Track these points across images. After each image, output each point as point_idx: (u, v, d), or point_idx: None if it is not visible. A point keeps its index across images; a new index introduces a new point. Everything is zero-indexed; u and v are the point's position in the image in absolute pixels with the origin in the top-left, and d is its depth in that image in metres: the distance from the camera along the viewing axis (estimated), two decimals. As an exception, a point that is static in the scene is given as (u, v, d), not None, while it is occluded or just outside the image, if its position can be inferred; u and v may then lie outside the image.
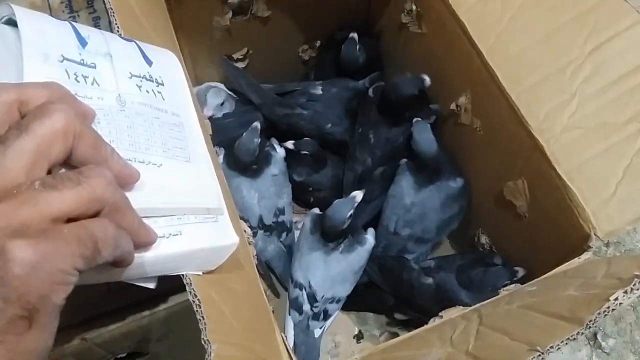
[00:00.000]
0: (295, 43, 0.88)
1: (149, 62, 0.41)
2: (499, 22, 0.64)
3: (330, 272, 0.73)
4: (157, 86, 0.40)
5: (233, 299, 0.44)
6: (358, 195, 0.70)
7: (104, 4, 0.61)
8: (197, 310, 0.37)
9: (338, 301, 0.74)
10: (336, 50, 0.84)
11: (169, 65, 0.44)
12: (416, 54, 0.80)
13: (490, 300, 0.54)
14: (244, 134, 0.73)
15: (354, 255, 0.73)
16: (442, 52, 0.75)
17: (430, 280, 0.70)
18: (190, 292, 0.38)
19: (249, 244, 0.57)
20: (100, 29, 0.61)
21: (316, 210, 0.76)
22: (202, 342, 0.35)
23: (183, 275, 0.38)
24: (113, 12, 0.47)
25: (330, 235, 0.72)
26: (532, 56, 0.61)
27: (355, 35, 0.81)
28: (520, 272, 0.67)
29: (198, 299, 0.38)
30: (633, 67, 0.52)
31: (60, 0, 0.62)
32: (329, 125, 0.80)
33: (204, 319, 0.37)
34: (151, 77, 0.40)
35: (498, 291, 0.57)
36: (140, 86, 0.38)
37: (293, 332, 0.73)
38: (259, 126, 0.74)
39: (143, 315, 0.48)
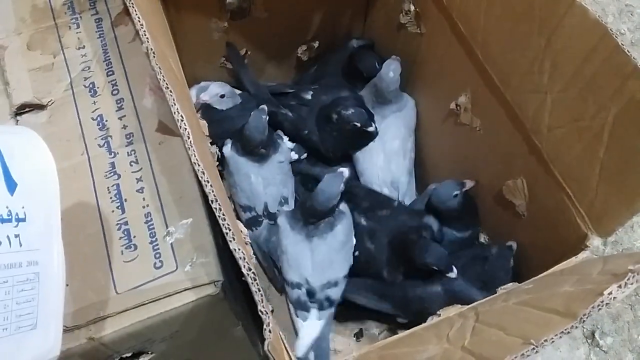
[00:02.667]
0: (293, 44, 0.89)
1: (12, 186, 0.37)
2: (479, 21, 0.65)
3: (317, 258, 0.72)
4: (16, 226, 0.37)
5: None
6: (345, 171, 0.70)
7: (106, 4, 0.62)
8: (252, 283, 0.41)
9: (336, 284, 0.74)
10: (343, 56, 0.87)
11: (34, 164, 0.40)
12: (415, 54, 0.81)
13: (487, 298, 0.54)
14: (252, 113, 0.74)
15: (334, 234, 0.72)
16: (441, 52, 0.75)
17: (438, 288, 0.70)
18: (244, 267, 0.41)
19: (246, 243, 0.58)
20: (102, 29, 0.63)
21: (285, 208, 0.77)
22: (260, 313, 0.40)
23: (236, 249, 0.41)
24: (132, 3, 0.47)
25: (316, 216, 0.71)
26: (509, 56, 0.62)
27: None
28: (514, 245, 0.68)
29: (253, 272, 0.41)
30: (581, 58, 0.53)
31: (63, 2, 0.63)
32: (306, 131, 0.82)
33: (260, 291, 0.41)
34: (10, 215, 0.36)
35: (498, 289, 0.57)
36: None
37: (307, 331, 0.73)
38: (266, 107, 0.75)
39: (150, 316, 0.49)
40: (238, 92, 0.83)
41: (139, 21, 0.47)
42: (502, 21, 0.62)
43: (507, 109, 0.65)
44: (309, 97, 0.82)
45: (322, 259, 0.73)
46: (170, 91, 0.45)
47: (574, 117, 0.56)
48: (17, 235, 0.37)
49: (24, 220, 0.37)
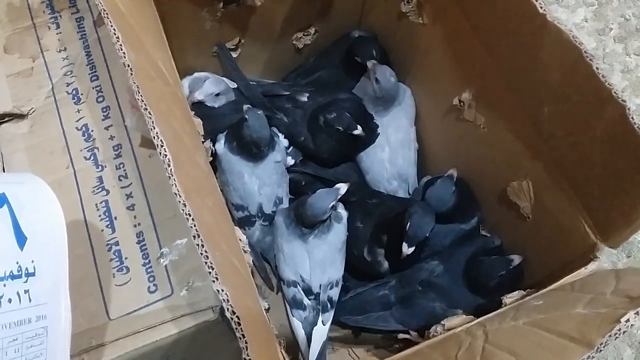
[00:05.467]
0: (288, 31, 0.84)
1: (22, 241, 0.38)
2: (484, 15, 0.62)
3: (315, 258, 0.71)
4: (26, 281, 0.37)
5: (249, 317, 0.44)
6: (342, 187, 0.68)
7: (87, 1, 0.58)
8: (236, 328, 0.38)
9: (337, 284, 0.73)
10: (343, 47, 0.82)
11: (42, 215, 0.40)
12: (417, 45, 0.77)
13: (495, 313, 0.53)
14: (247, 116, 0.70)
15: (331, 235, 0.71)
16: (444, 45, 0.72)
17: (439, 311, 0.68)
18: (228, 309, 0.38)
19: (245, 252, 0.56)
20: (84, 29, 0.58)
21: (283, 206, 0.76)
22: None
23: (219, 290, 0.38)
24: (107, 14, 0.44)
25: (307, 225, 0.70)
26: (513, 55, 0.60)
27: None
28: (516, 259, 0.65)
29: (237, 316, 0.38)
30: (561, 77, 0.53)
31: (41, 0, 0.58)
32: (302, 138, 0.78)
33: (244, 337, 0.38)
34: (19, 270, 0.37)
35: (502, 304, 0.55)
36: (1, 296, 0.36)
37: (302, 331, 0.72)
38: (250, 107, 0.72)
39: (145, 344, 0.47)
40: (233, 85, 0.80)
41: (115, 33, 0.44)
42: (504, 21, 0.59)
43: (512, 109, 0.62)
44: (304, 99, 0.78)
45: (322, 258, 0.71)
46: (150, 113, 0.42)
47: (568, 131, 0.55)
48: (26, 291, 0.37)
49: (33, 274, 0.38)
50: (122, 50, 0.43)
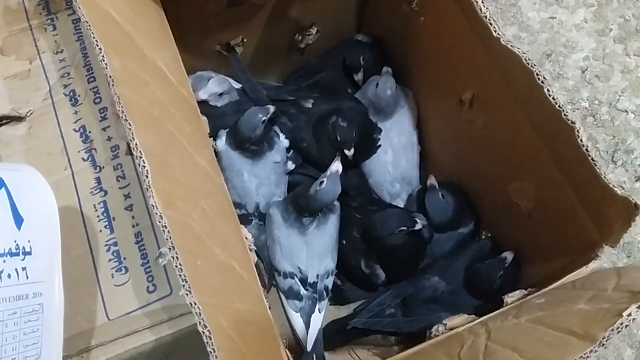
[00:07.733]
0: (290, 31, 0.85)
1: (19, 221, 0.41)
2: (486, 14, 0.61)
3: (314, 249, 0.72)
4: (23, 259, 0.40)
5: (240, 321, 0.44)
6: (338, 165, 0.69)
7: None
8: (207, 342, 0.38)
9: (332, 273, 0.74)
10: (345, 50, 0.84)
11: (37, 199, 0.43)
12: (417, 46, 0.77)
13: (497, 312, 0.52)
14: (252, 108, 0.71)
15: (329, 225, 0.72)
16: (447, 44, 0.71)
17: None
18: (199, 323, 0.38)
19: (250, 250, 0.56)
20: (80, 32, 0.59)
21: (276, 198, 0.76)
22: None
23: (192, 304, 0.39)
24: (89, 25, 0.43)
25: (313, 214, 0.71)
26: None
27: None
28: (509, 256, 0.66)
29: (208, 330, 0.38)
30: (528, 89, 0.53)
31: (37, 2, 0.58)
32: (305, 144, 0.79)
33: (214, 351, 0.38)
34: (17, 248, 0.40)
35: (503, 303, 0.55)
36: (1, 271, 0.38)
37: (300, 320, 0.73)
38: (271, 110, 0.72)
39: (144, 343, 0.47)
40: (236, 85, 0.80)
41: (97, 45, 0.44)
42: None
43: (512, 108, 0.62)
44: (309, 105, 0.78)
45: (321, 248, 0.72)
46: (130, 124, 0.42)
47: (552, 138, 0.55)
48: (24, 268, 0.40)
49: (29, 253, 0.40)
50: (104, 61, 0.43)
